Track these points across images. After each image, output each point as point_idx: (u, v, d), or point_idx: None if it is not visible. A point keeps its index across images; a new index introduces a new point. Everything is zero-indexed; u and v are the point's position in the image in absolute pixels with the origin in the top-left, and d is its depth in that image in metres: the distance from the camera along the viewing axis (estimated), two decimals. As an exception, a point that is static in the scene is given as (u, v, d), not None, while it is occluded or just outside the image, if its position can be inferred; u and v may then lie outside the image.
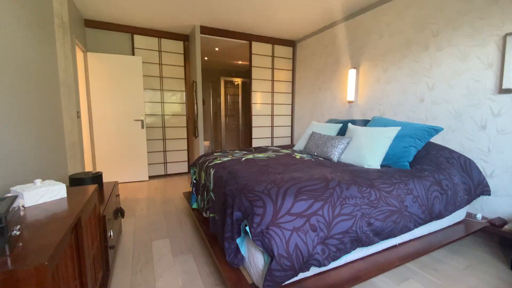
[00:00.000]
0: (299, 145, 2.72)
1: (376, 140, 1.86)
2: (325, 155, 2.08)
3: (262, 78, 4.26)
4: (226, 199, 1.39)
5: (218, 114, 6.40)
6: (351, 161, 1.92)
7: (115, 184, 2.10)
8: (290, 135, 4.60)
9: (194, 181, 2.29)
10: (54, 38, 2.34)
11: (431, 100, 2.44)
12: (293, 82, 4.50)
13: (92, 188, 1.37)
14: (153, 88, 3.95)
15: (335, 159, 2.00)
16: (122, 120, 3.67)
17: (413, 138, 1.88)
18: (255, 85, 4.21)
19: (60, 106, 2.32)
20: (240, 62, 5.52)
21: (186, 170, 4.33)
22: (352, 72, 3.23)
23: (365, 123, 2.51)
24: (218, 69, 6.26)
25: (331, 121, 2.99)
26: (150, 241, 2.01)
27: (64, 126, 2.38)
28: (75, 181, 1.79)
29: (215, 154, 2.39)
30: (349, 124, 2.24)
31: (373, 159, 1.80)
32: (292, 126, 4.59)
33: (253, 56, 4.13)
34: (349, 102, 3.33)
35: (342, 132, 2.53)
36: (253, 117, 4.24)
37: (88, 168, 3.62)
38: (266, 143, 4.41)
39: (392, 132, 1.86)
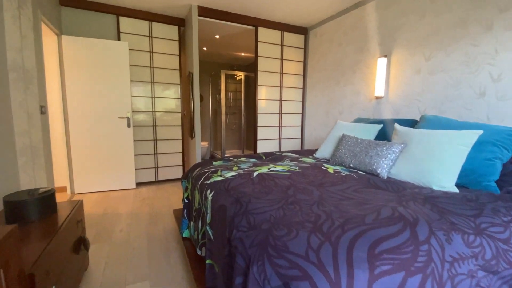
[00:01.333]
0: (324, 151, 2.14)
1: (448, 148, 1.29)
2: (368, 168, 1.51)
3: (270, 71, 3.68)
4: (232, 252, 0.82)
5: (218, 112, 5.82)
6: (409, 178, 1.36)
7: (78, 204, 1.53)
8: (300, 136, 4.03)
9: (186, 200, 1.72)
10: None
11: (496, 94, 1.87)
12: (304, 75, 3.93)
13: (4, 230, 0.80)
14: (142, 80, 3.36)
15: (384, 174, 1.43)
16: (104, 118, 3.09)
17: (497, 146, 1.31)
18: (261, 78, 3.64)
19: (7, 98, 1.74)
20: (243, 54, 4.94)
21: (181, 176, 3.75)
22: (382, 62, 2.66)
23: (410, 123, 1.94)
24: (218, 62, 5.67)
25: (360, 120, 2.43)
26: (123, 286, 1.44)
27: (15, 124, 1.80)
28: (11, 206, 1.22)
29: (214, 163, 1.81)
30: (397, 125, 1.67)
31: (446, 177, 1.24)
32: (302, 126, 4.02)
33: (259, 44, 3.55)
34: (377, 97, 2.76)
35: (382, 135, 1.96)
36: (258, 115, 3.67)
37: (61, 177, 3.04)
38: (273, 145, 3.84)
39: (470, 138, 1.29)
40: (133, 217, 2.41)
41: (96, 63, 3.00)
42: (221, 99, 4.92)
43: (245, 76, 5.28)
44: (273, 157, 2.02)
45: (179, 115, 3.65)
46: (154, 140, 3.50)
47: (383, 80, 2.68)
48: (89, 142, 3.05)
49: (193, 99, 3.31)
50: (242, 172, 1.45)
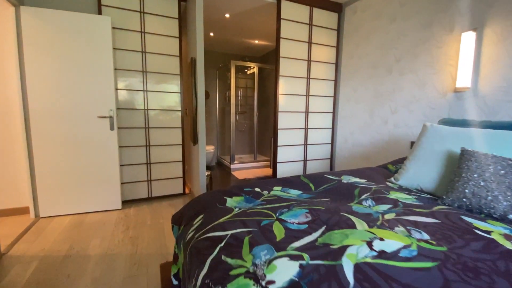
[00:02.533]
0: (414, 176, 1.25)
1: None
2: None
3: (295, 57, 2.87)
4: None
5: (226, 111, 5.04)
6: None
7: None
8: (330, 141, 3.21)
9: (175, 282, 0.92)
10: None
11: None
12: (337, 64, 3.11)
13: None
14: (130, 69, 2.60)
15: None
16: (78, 117, 2.33)
17: None
18: (284, 67, 2.83)
19: None
20: (257, 42, 4.14)
21: (181, 191, 2.98)
22: (468, 39, 1.83)
23: None
24: (227, 52, 4.89)
25: (453, 123, 1.59)
26: None
27: None
28: None
29: (229, 204, 0.99)
30: None
31: None
32: (333, 128, 3.20)
33: (282, 23, 2.75)
34: (458, 90, 1.93)
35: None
36: (279, 114, 2.86)
37: (22, 195, 2.30)
38: (297, 153, 3.02)
39: None
40: (106, 262, 1.63)
41: (67, 44, 2.24)
42: (231, 96, 4.13)
43: (259, 69, 4.48)
44: (332, 188, 1.18)
45: (179, 114, 2.87)
46: (146, 146, 2.73)
47: (469, 65, 1.84)
48: (59, 148, 2.29)
49: (196, 93, 2.52)
50: (310, 262, 0.63)
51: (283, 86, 2.84)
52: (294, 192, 1.08)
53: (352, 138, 2.92)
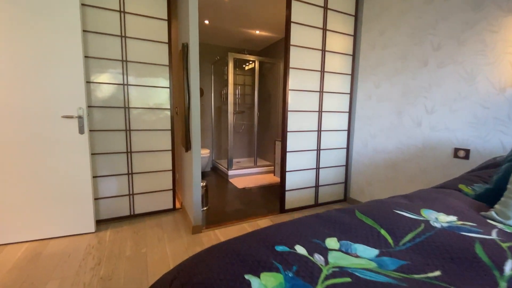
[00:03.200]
0: None
1: None
2: None
3: (307, 46, 2.42)
4: None
5: (222, 109, 4.55)
6: None
7: None
8: (345, 146, 2.77)
9: None
10: None
11: None
12: (354, 55, 2.67)
13: None
14: (106, 57, 2.09)
15: None
16: (36, 117, 1.81)
17: None
18: (294, 57, 2.37)
19: None
20: (257, 33, 3.67)
21: (171, 206, 2.48)
22: (544, 15, 1.41)
23: None
24: (224, 45, 4.40)
25: None
26: None
27: None
28: None
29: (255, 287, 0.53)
30: None
31: None
32: (349, 131, 2.76)
33: (293, 4, 2.29)
34: (528, 83, 1.51)
35: None
36: (288, 114, 2.40)
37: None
38: (309, 160, 2.57)
39: None
40: (59, 326, 1.14)
41: (21, 25, 1.72)
42: (228, 93, 3.65)
43: (260, 63, 4.02)
44: (425, 242, 0.68)
45: (168, 113, 2.38)
46: (127, 152, 2.23)
47: (544, 50, 1.42)
48: (11, 158, 1.77)
49: (189, 88, 2.04)
50: None
51: (293, 81, 2.38)
52: (365, 253, 0.61)
53: (374, 142, 2.49)
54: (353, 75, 2.68)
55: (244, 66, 4.65)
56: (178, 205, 2.57)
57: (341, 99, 2.66)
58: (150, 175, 2.35)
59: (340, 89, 2.64)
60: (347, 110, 2.72)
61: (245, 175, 3.87)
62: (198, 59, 1.99)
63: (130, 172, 2.26)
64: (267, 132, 4.49)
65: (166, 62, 2.31)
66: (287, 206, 2.49)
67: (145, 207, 2.36)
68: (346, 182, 2.82)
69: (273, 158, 4.26)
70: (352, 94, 2.71)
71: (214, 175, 4.00)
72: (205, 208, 2.55)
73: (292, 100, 2.40)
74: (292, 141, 2.44)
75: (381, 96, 2.40)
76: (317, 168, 2.62)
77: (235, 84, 4.61)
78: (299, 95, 2.43)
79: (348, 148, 2.78)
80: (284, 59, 2.36)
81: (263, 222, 2.28)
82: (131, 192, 2.28)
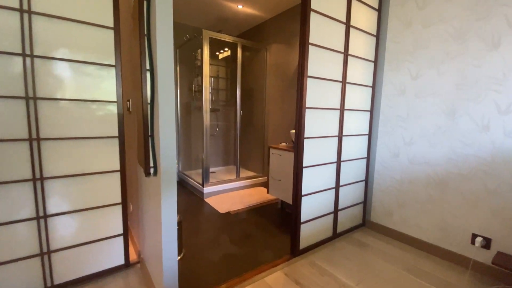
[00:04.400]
0: None
1: None
2: None
3: (328, 14, 1.69)
4: None
5: (192, 106, 3.60)
6: None
7: None
8: (365, 155, 2.13)
9: None
10: None
11: None
12: (378, 36, 2.04)
13: None
14: (-22, -3, 1.06)
15: None
16: None
17: None
18: (315, 28, 1.62)
19: None
20: (240, 8, 2.84)
21: (121, 261, 1.52)
22: None
23: None
24: (193, 25, 3.45)
25: None
26: None
27: None
28: None
29: None
30: None
31: None
32: (370, 135, 2.13)
33: (313, -51, 1.54)
34: None
35: None
36: (306, 112, 1.64)
37: None
38: (327, 177, 1.85)
39: None
40: None
41: None
42: (204, 86, 2.75)
43: (244, 48, 3.18)
44: None
45: (114, 109, 1.43)
46: (34, 179, 1.23)
47: None
48: None
49: (152, 68, 1.14)
50: None
51: (313, 64, 1.63)
52: None
53: (409, 151, 1.89)
54: (377, 62, 2.06)
55: (218, 53, 3.77)
56: (133, 258, 1.62)
57: (363, 93, 2.01)
58: (83, 216, 1.37)
59: (361, 80, 1.98)
60: (369, 109, 2.08)
61: (226, 191, 3.01)
62: (171, 17, 1.11)
63: (40, 215, 1.25)
64: (250, 135, 3.69)
65: (109, 22, 1.36)
66: (302, 245, 1.74)
67: (75, 270, 1.37)
68: (366, 201, 2.19)
69: (260, 167, 3.48)
70: (374, 87, 2.08)
71: (183, 193, 3.05)
72: (178, 257, 1.65)
73: (311, 93, 1.65)
74: (310, 152, 1.70)
75: (422, 89, 1.80)
76: (337, 187, 1.92)
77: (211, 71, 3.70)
78: (319, 86, 1.70)
79: (368, 158, 2.15)
80: (300, 32, 1.60)
81: (274, 279, 1.48)
82: (44, 249, 1.28)
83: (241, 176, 3.25)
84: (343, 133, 1.90)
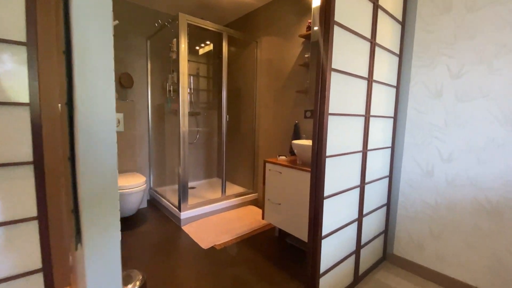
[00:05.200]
0: None
1: None
2: None
3: (356, -12, 1.23)
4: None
5: (167, 109, 2.99)
6: None
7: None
8: (387, 174, 1.70)
9: None
10: None
11: None
12: (404, 21, 1.63)
13: None
14: None
15: None
16: None
17: None
18: (340, 7, 1.14)
19: None
20: (225, -10, 2.32)
21: None
22: None
23: None
24: (167, 12, 2.86)
25: None
26: None
27: None
28: None
29: None
30: None
31: None
32: (393, 149, 1.71)
33: None
34: None
35: None
36: (329, 119, 1.16)
37: None
38: (349, 208, 1.39)
39: None
40: None
41: None
42: (180, 86, 2.18)
43: (230, 40, 2.65)
44: None
45: (26, 115, 0.84)
46: None
47: None
48: None
49: (69, 50, 0.58)
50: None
51: (338, 54, 1.15)
52: None
53: (448, 169, 1.48)
54: (402, 56, 1.65)
55: (198, 48, 3.21)
56: None
57: (387, 94, 1.59)
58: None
59: (386, 77, 1.56)
60: (391, 114, 1.67)
61: (210, 214, 2.45)
62: None
63: None
64: (237, 143, 3.16)
65: (10, -35, 0.78)
66: (320, 304, 1.25)
67: None
68: (387, 230, 1.77)
69: (250, 181, 2.96)
70: (399, 87, 1.67)
71: (154, 219, 2.45)
72: None
73: (335, 93, 1.18)
74: (331, 175, 1.22)
75: (467, 91, 1.41)
76: (360, 218, 1.47)
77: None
78: (344, 83, 1.23)
79: (391, 177, 1.73)
80: (321, 7, 1.12)
81: None
82: None
83: (227, 193, 2.71)
84: (368, 147, 1.45)
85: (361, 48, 1.31)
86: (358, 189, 1.43)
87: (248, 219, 2.38)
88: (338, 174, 1.27)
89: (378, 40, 1.41)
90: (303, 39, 2.18)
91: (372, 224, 1.61)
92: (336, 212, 1.29)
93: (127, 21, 2.60)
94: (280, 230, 2.11)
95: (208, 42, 3.18)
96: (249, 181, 2.94)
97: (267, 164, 1.96)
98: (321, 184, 1.15)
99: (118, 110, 2.46)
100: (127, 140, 2.55)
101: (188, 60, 3.13)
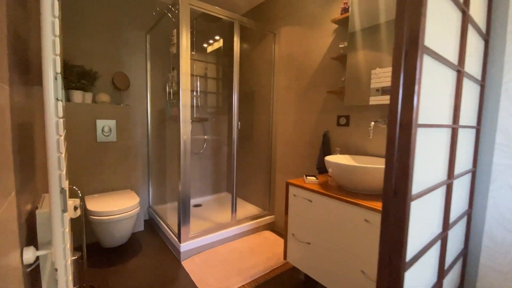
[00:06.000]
0: None
1: None
2: None
3: None
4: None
5: (168, 115, 2.57)
6: None
7: None
8: (466, 208, 1.19)
9: None
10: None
11: None
12: (496, -5, 1.13)
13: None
14: None
15: None
16: None
17: None
18: None
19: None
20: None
21: None
22: None
23: None
24: (166, 2, 2.47)
25: None
26: None
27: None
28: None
29: None
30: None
31: None
32: (474, 172, 1.20)
33: None
34: None
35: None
36: (417, 134, 0.68)
37: None
38: (431, 258, 0.89)
39: None
40: None
41: None
42: (181, 88, 1.75)
43: (243, 31, 2.20)
44: None
45: None
46: None
47: None
48: None
49: None
50: None
51: (431, 30, 0.68)
52: None
53: None
54: (489, 37, 1.15)
55: (205, 45, 2.79)
56: None
57: (470, 93, 1.09)
58: None
59: (471, 68, 1.06)
60: (474, 124, 1.16)
61: (217, 244, 1.99)
62: None
63: None
64: (250, 154, 2.70)
65: None
66: None
67: None
68: (462, 286, 1.25)
69: (265, 200, 2.49)
70: (486, 82, 1.17)
71: (150, 247, 2.01)
72: None
73: (426, 94, 0.70)
74: (414, 225, 0.73)
75: None
76: (440, 278, 0.97)
77: (192, 75, 2.72)
78: (432, 72, 0.75)
79: (470, 213, 1.21)
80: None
81: None
82: None
83: (238, 213, 2.25)
84: (454, 174, 0.95)
85: (451, 18, 0.83)
86: (439, 242, 0.93)
87: (264, 253, 1.90)
88: (421, 222, 0.78)
89: (471, 11, 0.93)
90: (336, 26, 1.72)
91: (451, 282, 1.10)
92: (418, 273, 0.80)
93: (124, 12, 2.22)
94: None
95: (217, 38, 2.77)
96: (264, 200, 2.47)
97: (290, 188, 1.49)
98: (401, 244, 0.67)
99: (110, 116, 2.06)
100: (120, 152, 2.14)
101: (195, 60, 2.73)
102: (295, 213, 1.46)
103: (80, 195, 1.39)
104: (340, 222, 1.21)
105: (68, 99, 1.92)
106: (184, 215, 1.83)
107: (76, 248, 1.85)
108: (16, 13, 0.82)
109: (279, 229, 2.32)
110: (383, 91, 1.38)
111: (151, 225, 2.38)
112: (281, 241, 2.11)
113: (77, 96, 1.92)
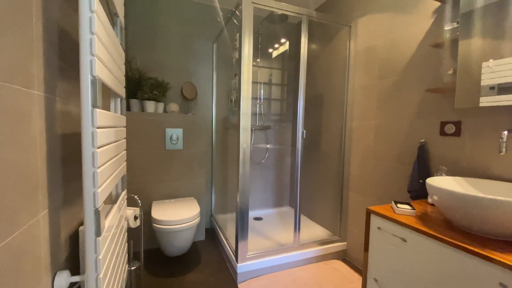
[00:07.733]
0: None
1: None
2: None
3: None
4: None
5: (231, 123, 2.53)
6: None
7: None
8: None
9: None
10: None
11: None
12: None
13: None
14: None
15: None
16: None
17: None
18: None
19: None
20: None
21: None
22: None
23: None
24: (226, 5, 2.44)
25: None
26: None
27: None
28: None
29: None
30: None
31: None
32: None
33: None
34: None
35: None
36: None
37: None
38: None
39: None
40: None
41: None
42: (242, 96, 1.62)
43: (312, 27, 1.95)
44: None
45: None
46: None
47: None
48: None
49: None
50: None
51: None
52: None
53: None
54: None
55: (271, 49, 2.66)
56: None
57: None
58: None
59: None
60: None
61: (277, 269, 1.76)
62: None
63: None
64: (316, 166, 2.40)
65: None
66: None
67: None
68: None
69: (334, 222, 2.14)
70: None
71: (209, 259, 1.93)
72: None
73: None
74: None
75: None
76: None
77: (253, 83, 2.63)
78: None
79: None
80: None
81: None
82: None
83: (302, 236, 1.96)
84: None
85: None
86: None
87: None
88: None
89: None
90: (438, 4, 1.29)
91: None
92: None
93: (193, 24, 2.30)
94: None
95: (283, 40, 2.60)
96: (334, 222, 2.11)
97: (373, 217, 1.13)
98: None
99: (177, 125, 2.12)
100: (185, 159, 2.18)
101: (259, 66, 2.62)
102: (380, 252, 1.10)
103: (140, 204, 1.39)
104: (455, 281, 0.81)
105: (142, 109, 2.05)
106: (242, 230, 1.67)
107: (136, 252, 1.93)
108: (61, 12, 0.80)
109: (352, 260, 1.91)
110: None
111: (212, 235, 2.33)
112: (355, 276, 1.72)
113: (150, 106, 2.04)
